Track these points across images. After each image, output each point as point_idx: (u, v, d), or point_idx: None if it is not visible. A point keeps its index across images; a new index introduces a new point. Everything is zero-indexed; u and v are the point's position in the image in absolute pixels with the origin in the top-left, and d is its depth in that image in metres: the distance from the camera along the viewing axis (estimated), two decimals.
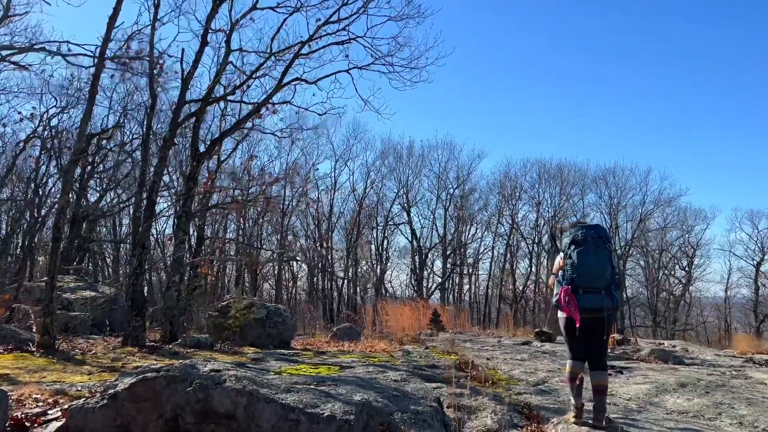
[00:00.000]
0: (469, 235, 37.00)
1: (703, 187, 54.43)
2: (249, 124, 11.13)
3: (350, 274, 35.10)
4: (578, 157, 70.67)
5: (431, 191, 35.87)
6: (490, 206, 36.62)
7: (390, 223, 35.58)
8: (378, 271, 35.72)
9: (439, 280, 35.36)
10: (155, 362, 6.71)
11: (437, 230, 35.54)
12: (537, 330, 11.85)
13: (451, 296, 35.07)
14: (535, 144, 68.52)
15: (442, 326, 14.03)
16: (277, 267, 33.79)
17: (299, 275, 37.17)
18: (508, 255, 36.78)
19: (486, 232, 36.98)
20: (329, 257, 34.30)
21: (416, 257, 34.53)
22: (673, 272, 40.73)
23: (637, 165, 50.65)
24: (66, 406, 4.13)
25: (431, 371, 6.66)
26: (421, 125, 58.86)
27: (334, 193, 35.14)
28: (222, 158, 18.22)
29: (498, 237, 36.99)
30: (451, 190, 35.43)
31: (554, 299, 4.74)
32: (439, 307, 15.60)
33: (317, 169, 33.99)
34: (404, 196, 34.81)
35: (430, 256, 35.34)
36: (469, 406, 5.16)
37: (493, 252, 37.23)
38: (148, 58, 9.06)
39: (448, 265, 35.00)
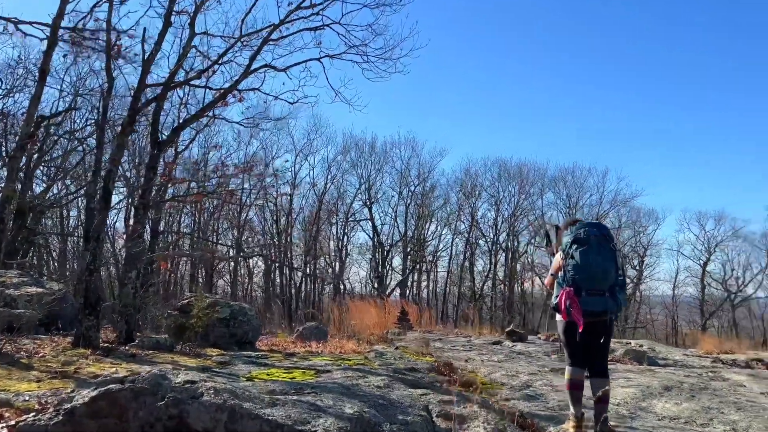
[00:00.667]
0: (429, 233, 36.97)
1: (657, 188, 56.07)
2: (213, 113, 10.57)
3: (309, 270, 34.52)
4: (538, 157, 71.88)
5: (393, 188, 35.66)
6: (451, 204, 36.68)
7: (351, 219, 35.18)
8: (337, 267, 35.27)
9: (399, 277, 35.15)
10: (111, 366, 6.14)
11: (398, 227, 35.35)
12: (508, 329, 11.67)
13: (410, 294, 34.93)
14: (496, 143, 69.45)
15: (410, 325, 13.72)
16: (233, 263, 32.92)
17: (255, 272, 36.39)
18: (468, 252, 36.91)
19: (446, 230, 37.04)
20: (288, 253, 33.63)
21: (377, 254, 34.21)
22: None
23: (595, 166, 51.74)
24: (13, 422, 3.59)
25: (413, 375, 6.31)
26: (384, 121, 58.65)
27: (294, 188, 34.48)
28: (179, 149, 17.49)
29: (458, 234, 37.08)
30: (413, 187, 35.29)
31: (553, 301, 4.43)
32: (406, 306, 15.29)
33: (285, 163, 33.38)
34: (366, 192, 34.47)
35: (391, 253, 35.06)
36: (459, 415, 4.82)
37: (452, 249, 37.34)
38: (104, 38, 8.40)
39: (409, 263, 34.82)
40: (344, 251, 36.05)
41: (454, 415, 4.81)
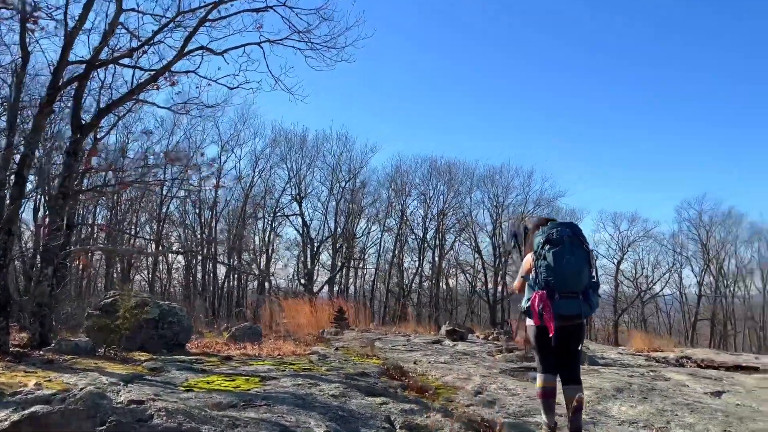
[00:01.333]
0: (359, 229, 36.70)
1: (579, 189, 58.55)
2: (138, 97, 9.73)
3: (233, 266, 33.35)
4: (468, 156, 73.36)
5: (323, 183, 35.07)
6: (381, 200, 36.55)
7: (279, 214, 34.30)
8: (263, 263, 34.32)
9: (327, 273, 34.65)
10: (26, 376, 5.40)
11: (328, 223, 34.82)
12: (449, 329, 11.55)
13: (338, 291, 34.51)
14: (426, 141, 70.27)
15: (346, 324, 13.36)
16: (152, 259, 31.29)
17: (175, 267, 34.83)
18: (397, 249, 36.91)
19: (375, 226, 36.90)
20: (213, 248, 32.37)
21: (306, 250, 33.55)
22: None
23: (521, 166, 53.24)
24: None
25: (365, 381, 5.95)
26: (316, 115, 57.75)
27: (219, 181, 33.17)
28: (99, 135, 16.24)
29: (387, 231, 37.01)
30: (344, 183, 34.85)
31: (524, 305, 4.22)
32: (343, 304, 14.90)
33: (202, 153, 31.95)
34: (296, 186, 33.69)
35: (320, 249, 34.48)
36: (423, 426, 4.53)
37: (380, 246, 37.22)
38: (19, 6, 7.53)
39: (339, 259, 34.40)
40: (271, 247, 35.18)
41: (417, 426, 4.52)
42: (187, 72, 8.76)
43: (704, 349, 13.73)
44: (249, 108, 33.23)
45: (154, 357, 7.30)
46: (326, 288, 33.15)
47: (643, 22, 67.94)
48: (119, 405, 2.89)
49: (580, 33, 69.60)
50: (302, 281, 32.59)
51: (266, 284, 34.12)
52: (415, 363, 7.78)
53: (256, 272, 33.68)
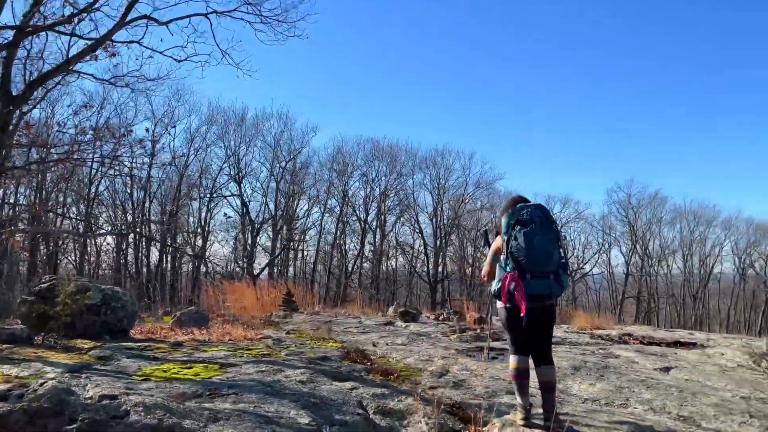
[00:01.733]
0: (300, 210, 36.22)
1: (517, 172, 60.00)
2: (73, 69, 9.06)
3: (169, 248, 32.25)
4: (411, 138, 73.65)
5: (263, 163, 34.29)
6: (322, 181, 36.15)
7: (216, 194, 33.33)
8: (199, 245, 33.37)
9: (267, 255, 34.06)
10: None
11: (268, 204, 34.14)
12: (401, 310, 11.52)
13: (278, 273, 34.01)
14: (369, 123, 70.11)
15: (295, 307, 13.12)
16: (82, 241, 29.82)
17: (104, 249, 33.37)
18: (338, 231, 36.71)
19: (316, 208, 36.50)
20: (146, 229, 31.12)
21: (247, 232, 32.81)
22: (481, 249, 44.01)
23: (462, 149, 53.92)
24: None
25: (328, 365, 5.82)
26: (256, 93, 56.18)
27: (152, 159, 31.83)
28: (24, 109, 15.15)
29: (328, 212, 36.71)
30: (284, 163, 34.19)
31: (495, 287, 4.18)
32: (291, 287, 14.62)
33: (131, 130, 30.54)
34: (234, 166, 32.78)
35: (260, 231, 33.80)
36: (397, 410, 4.45)
37: (321, 227, 36.88)
38: None
39: (279, 241, 33.85)
40: (207, 228, 34.19)
41: (390, 411, 4.44)
42: (129, 42, 8.25)
43: (642, 326, 14.35)
44: (184, 84, 31.97)
45: (98, 345, 6.88)
46: (266, 270, 32.60)
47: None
48: (89, 401, 2.64)
49: (520, 19, 70.76)
50: (241, 263, 31.91)
51: (203, 267, 33.22)
52: (374, 345, 7.70)
53: (191, 253, 32.72)
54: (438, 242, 36.87)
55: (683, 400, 5.36)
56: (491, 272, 4.40)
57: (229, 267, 34.23)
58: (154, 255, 33.49)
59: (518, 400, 4.17)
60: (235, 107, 39.94)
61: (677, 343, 9.38)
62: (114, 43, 8.21)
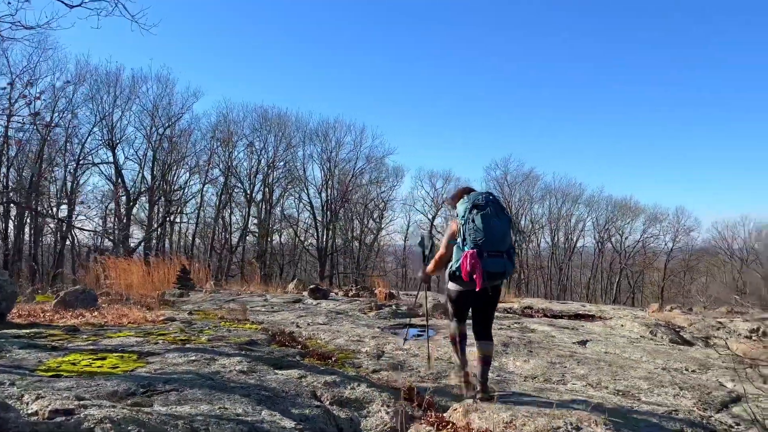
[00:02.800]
0: (180, 180, 34.13)
1: (404, 147, 60.69)
2: None
3: (31, 218, 29.11)
4: (301, 109, 71.78)
5: (139, 129, 31.75)
6: (204, 150, 34.23)
7: (85, 161, 30.43)
8: (64, 215, 30.43)
9: (144, 228, 31.85)
10: None
11: (144, 174, 31.78)
12: (311, 287, 11.09)
13: (156, 247, 31.94)
14: (258, 90, 67.57)
15: (192, 285, 12.24)
16: None
17: None
18: (221, 203, 35.09)
19: (197, 178, 34.55)
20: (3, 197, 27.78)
21: (122, 203, 30.36)
22: (367, 224, 44.43)
23: (354, 122, 53.40)
24: None
25: (260, 351, 5.37)
26: (134, 52, 51.70)
27: (9, 120, 28.37)
28: None
29: (210, 183, 34.92)
30: (162, 130, 31.89)
31: (455, 265, 4.32)
32: (186, 263, 13.61)
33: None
34: (106, 131, 30.04)
35: (137, 202, 31.44)
36: (354, 399, 4.15)
37: (202, 199, 34.97)
38: None
39: (157, 213, 31.73)
40: (74, 198, 31.23)
41: (346, 400, 4.13)
42: None
43: (538, 299, 15.05)
44: (46, 37, 28.58)
45: None
46: (143, 244, 30.48)
47: None
48: (36, 418, 2.07)
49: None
50: (115, 237, 29.55)
51: (68, 240, 30.42)
52: (298, 327, 7.28)
53: (61, 218, 29.76)
54: (327, 216, 36.53)
55: (614, 374, 5.54)
56: (445, 256, 4.58)
57: (97, 240, 31.66)
58: (10, 227, 30.09)
59: (457, 361, 4.53)
60: (109, 67, 36.26)
61: (578, 316, 9.86)
62: None
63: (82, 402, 2.35)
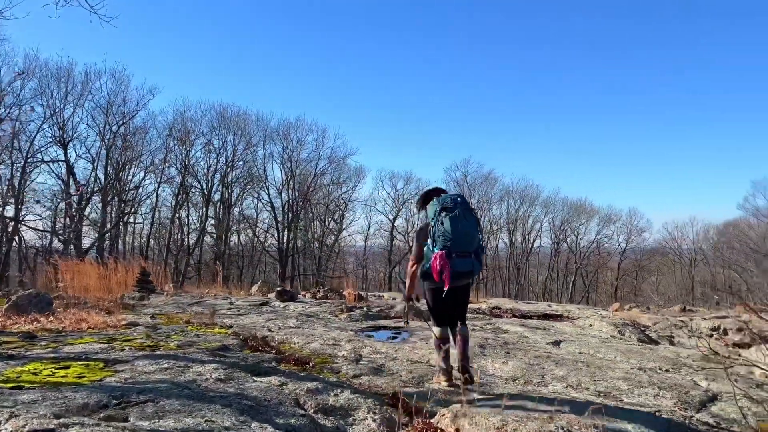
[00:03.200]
0: (134, 180, 33.09)
1: (367, 148, 60.56)
2: None
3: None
4: (262, 108, 70.71)
5: (92, 126, 30.64)
6: (160, 148, 33.29)
7: (34, 159, 29.15)
8: (11, 215, 29.09)
9: (97, 228, 30.73)
10: None
11: (97, 172, 30.68)
12: (279, 289, 10.82)
13: (109, 248, 30.88)
14: (214, 89, 66.33)
15: (153, 288, 11.81)
16: None
17: None
18: (177, 204, 34.18)
19: (151, 177, 33.55)
20: None
21: (73, 203, 29.21)
22: (328, 225, 44.16)
23: (316, 122, 52.84)
24: None
25: (234, 357, 5.15)
26: (90, 47, 49.94)
27: None
28: None
29: (166, 182, 33.97)
30: (116, 127, 30.86)
31: (427, 265, 4.57)
32: (145, 264, 13.11)
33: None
34: (57, 128, 28.87)
35: (90, 202, 30.30)
36: (339, 407, 3.99)
37: (157, 199, 33.99)
38: None
39: (111, 213, 30.69)
40: (21, 197, 29.90)
41: (331, 408, 3.97)
42: None
43: (505, 299, 15.13)
44: None
45: None
46: (94, 246, 29.42)
47: None
48: None
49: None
50: (65, 237, 28.43)
51: (15, 242, 29.11)
52: (270, 330, 7.05)
53: (9, 221, 28.44)
54: (288, 217, 36.05)
55: (593, 375, 5.53)
56: (419, 256, 4.75)
57: (46, 241, 30.43)
58: None
59: (441, 365, 4.67)
60: (60, 61, 34.83)
61: (546, 316, 9.92)
62: None
63: (61, 420, 2.13)
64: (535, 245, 53.69)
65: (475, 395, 4.44)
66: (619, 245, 53.56)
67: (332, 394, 4.18)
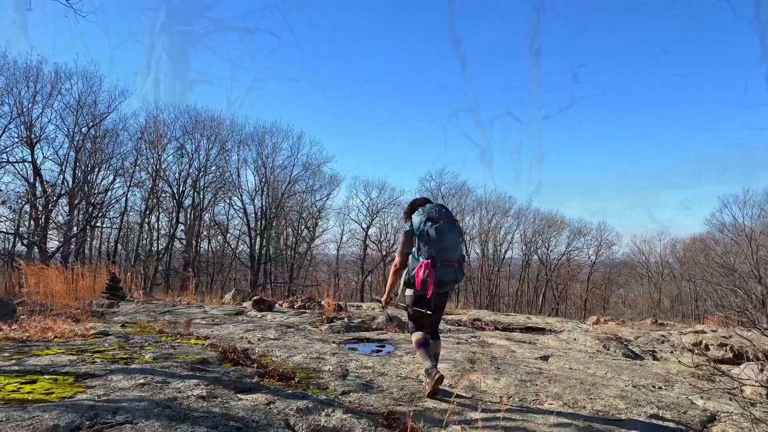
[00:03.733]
0: (103, 183, 32.22)
1: (341, 156, 60.18)
2: None
3: None
4: (238, 113, 69.85)
5: (60, 128, 29.74)
6: (131, 152, 32.51)
7: None
8: None
9: (62, 232, 29.76)
10: None
11: (65, 175, 29.76)
12: (256, 298, 10.45)
13: (75, 253, 29.92)
14: (192, 94, 65.39)
15: (123, 295, 11.33)
16: None
17: None
18: (146, 209, 33.39)
19: (123, 181, 32.73)
20: None
21: (39, 206, 28.26)
22: (301, 232, 43.70)
23: (292, 128, 52.29)
24: None
25: (215, 371, 4.84)
26: (61, 45, 48.61)
27: None
28: None
29: (136, 186, 33.17)
30: (86, 129, 30.02)
31: (411, 273, 4.63)
32: (114, 270, 12.59)
33: None
34: (24, 128, 27.92)
35: (56, 205, 29.35)
36: (332, 428, 3.73)
37: (126, 203, 33.16)
38: None
39: (78, 217, 29.78)
40: None
41: (323, 429, 3.71)
42: None
43: (485, 311, 14.98)
44: None
45: None
46: (60, 250, 28.45)
47: None
48: None
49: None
50: (29, 239, 27.46)
51: None
52: (249, 342, 6.72)
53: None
54: (261, 224, 35.49)
55: (589, 393, 5.36)
56: (401, 264, 4.82)
57: (7, 244, 29.38)
58: None
59: (426, 364, 4.73)
60: (29, 60, 33.76)
61: (529, 329, 9.78)
62: None
63: None
64: (507, 256, 54.00)
65: (472, 415, 4.24)
66: (589, 258, 54.21)
67: (323, 413, 3.92)
